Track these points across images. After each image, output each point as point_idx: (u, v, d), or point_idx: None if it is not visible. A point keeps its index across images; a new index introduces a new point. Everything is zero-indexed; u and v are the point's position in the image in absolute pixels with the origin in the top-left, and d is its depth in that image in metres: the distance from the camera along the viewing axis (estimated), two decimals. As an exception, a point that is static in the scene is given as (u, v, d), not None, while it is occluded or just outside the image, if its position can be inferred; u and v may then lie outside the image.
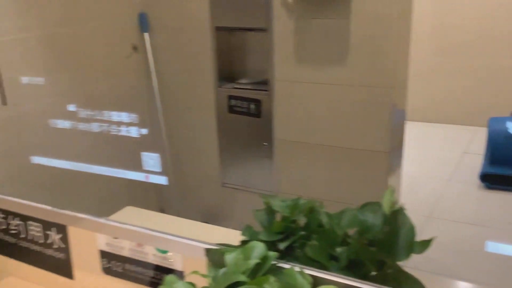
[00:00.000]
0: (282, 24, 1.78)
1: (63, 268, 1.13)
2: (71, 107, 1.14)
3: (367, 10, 1.62)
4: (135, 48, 2.03)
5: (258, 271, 0.75)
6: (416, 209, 0.80)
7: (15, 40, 1.48)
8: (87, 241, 1.07)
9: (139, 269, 1.02)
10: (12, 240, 1.21)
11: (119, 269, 1.05)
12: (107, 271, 1.07)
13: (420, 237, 0.75)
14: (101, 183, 1.35)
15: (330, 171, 1.82)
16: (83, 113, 1.14)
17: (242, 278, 0.72)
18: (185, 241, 0.94)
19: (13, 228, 1.19)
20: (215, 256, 0.80)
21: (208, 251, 0.83)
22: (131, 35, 2.03)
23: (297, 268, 0.76)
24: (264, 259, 0.75)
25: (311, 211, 0.86)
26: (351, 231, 0.82)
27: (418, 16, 1.63)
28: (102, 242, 1.05)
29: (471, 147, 2.79)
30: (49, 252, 1.15)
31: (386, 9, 1.58)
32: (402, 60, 1.66)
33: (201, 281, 0.78)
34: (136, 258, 1.02)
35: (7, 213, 1.19)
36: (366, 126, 1.70)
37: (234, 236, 0.87)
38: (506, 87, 2.86)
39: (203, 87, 2.04)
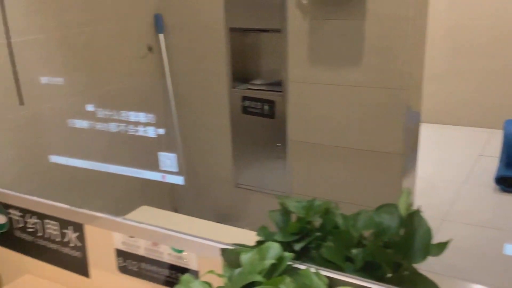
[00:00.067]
0: (297, 25, 1.78)
1: (79, 266, 1.15)
2: (89, 107, 1.16)
3: (382, 11, 1.61)
4: (150, 49, 2.05)
5: (274, 271, 0.75)
6: (430, 212, 0.79)
7: (32, 41, 1.50)
8: (103, 239, 1.08)
9: (154, 268, 1.03)
10: (29, 238, 1.23)
11: (135, 268, 1.06)
12: (123, 269, 1.08)
13: (435, 240, 0.75)
14: (116, 182, 1.36)
15: (343, 173, 1.81)
16: (101, 113, 1.15)
17: (258, 278, 0.72)
18: (200, 241, 0.95)
19: (30, 226, 1.21)
20: (230, 256, 0.81)
21: (223, 251, 0.83)
22: (147, 36, 2.05)
23: (312, 269, 0.76)
24: (280, 259, 0.76)
25: (326, 212, 0.86)
26: (367, 233, 0.82)
27: (433, 17, 1.62)
28: (118, 241, 1.06)
29: (486, 149, 2.76)
30: (65, 250, 1.16)
31: (401, 10, 1.57)
32: (417, 62, 1.65)
33: (216, 281, 0.78)
34: (152, 257, 1.03)
35: (25, 212, 1.21)
36: (381, 127, 1.69)
37: (248, 237, 0.88)
38: (523, 89, 2.83)
39: (217, 88, 2.05)
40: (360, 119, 1.73)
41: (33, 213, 1.19)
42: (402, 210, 0.77)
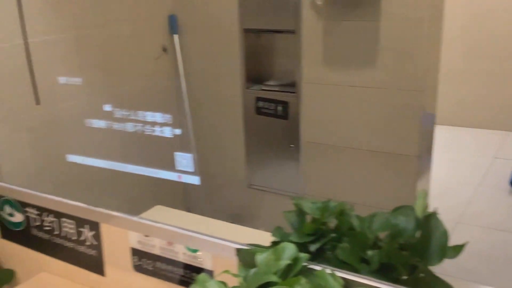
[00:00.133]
0: (311, 26, 1.78)
1: (95, 264, 1.16)
2: (106, 107, 1.17)
3: (397, 12, 1.60)
4: (164, 49, 2.06)
5: (289, 272, 0.75)
6: (445, 214, 0.79)
7: (48, 41, 1.51)
8: (119, 238, 1.09)
9: (169, 267, 1.04)
10: (46, 236, 1.24)
11: (150, 267, 1.07)
12: (138, 268, 1.09)
13: (449, 242, 0.75)
14: (131, 182, 1.37)
15: (357, 174, 1.80)
16: (117, 113, 1.16)
17: (274, 278, 0.72)
18: (215, 241, 0.95)
19: (47, 224, 1.22)
20: (246, 256, 0.81)
21: (239, 251, 0.84)
22: (161, 36, 2.06)
23: (328, 270, 0.76)
24: (295, 260, 0.76)
25: (341, 214, 0.85)
26: (382, 235, 0.81)
27: (448, 19, 1.61)
28: (134, 239, 1.07)
29: (501, 152, 2.73)
30: (81, 249, 1.17)
31: (416, 11, 1.56)
32: (432, 63, 1.64)
33: (231, 281, 0.79)
34: (167, 256, 1.03)
35: (42, 210, 1.22)
36: (395, 129, 1.68)
37: (262, 237, 0.88)
38: (539, 91, 2.79)
39: (231, 88, 2.06)
40: (375, 121, 1.72)
41: (50, 212, 1.20)
42: (419, 212, 0.76)
